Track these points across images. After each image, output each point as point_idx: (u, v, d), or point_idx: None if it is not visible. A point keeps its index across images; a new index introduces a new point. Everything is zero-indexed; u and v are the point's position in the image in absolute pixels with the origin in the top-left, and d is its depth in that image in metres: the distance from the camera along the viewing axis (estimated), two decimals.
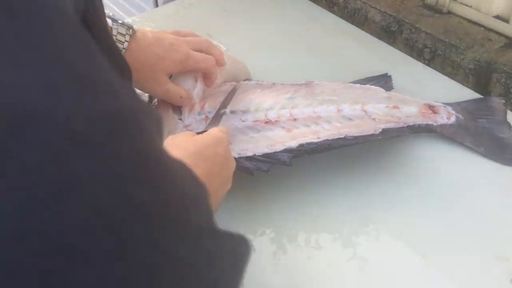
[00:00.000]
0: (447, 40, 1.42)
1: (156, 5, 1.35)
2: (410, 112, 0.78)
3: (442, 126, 0.78)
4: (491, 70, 1.32)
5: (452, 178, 0.74)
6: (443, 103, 0.81)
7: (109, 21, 0.68)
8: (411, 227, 0.67)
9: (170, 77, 0.73)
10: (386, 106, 0.78)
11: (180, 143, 0.57)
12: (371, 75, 0.89)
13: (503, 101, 0.83)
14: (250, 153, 0.68)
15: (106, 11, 0.69)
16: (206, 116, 0.73)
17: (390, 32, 1.56)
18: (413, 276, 0.62)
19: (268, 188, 0.73)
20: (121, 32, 0.67)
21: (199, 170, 0.52)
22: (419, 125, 0.77)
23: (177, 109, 0.73)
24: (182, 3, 1.17)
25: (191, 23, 1.08)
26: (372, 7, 1.60)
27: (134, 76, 0.68)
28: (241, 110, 0.75)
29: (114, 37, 0.66)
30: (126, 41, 0.67)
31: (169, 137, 0.59)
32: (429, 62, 1.49)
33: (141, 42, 0.69)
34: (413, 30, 1.50)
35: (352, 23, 1.66)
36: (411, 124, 0.76)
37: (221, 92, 0.77)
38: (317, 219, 0.69)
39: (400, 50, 1.53)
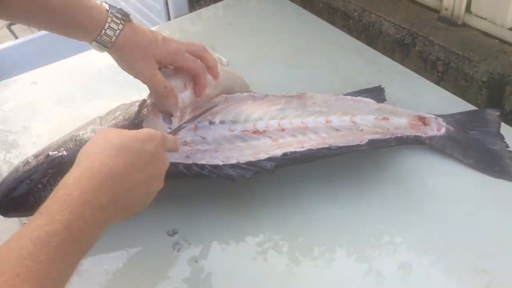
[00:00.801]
0: (460, 52, 1.40)
1: (169, 18, 1.40)
2: (399, 124, 0.78)
3: (432, 137, 0.77)
4: (505, 82, 1.31)
5: (440, 190, 0.73)
6: (436, 115, 0.81)
7: (106, 5, 0.71)
8: (397, 238, 0.67)
9: (160, 69, 0.74)
10: (375, 118, 0.78)
11: (107, 135, 0.58)
12: (367, 87, 0.90)
13: (498, 113, 0.82)
14: (234, 161, 0.70)
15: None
16: (196, 126, 0.75)
17: (404, 45, 1.56)
18: (391, 285, 0.62)
19: (254, 198, 0.74)
20: (115, 19, 0.70)
21: (117, 161, 0.54)
22: (408, 136, 0.77)
23: (167, 117, 0.75)
24: (191, 17, 1.21)
25: (197, 36, 1.12)
26: (386, 20, 1.60)
27: (125, 57, 0.72)
28: (230, 120, 0.77)
29: (107, 24, 0.69)
30: (118, 29, 0.70)
31: (102, 129, 0.59)
32: (442, 75, 1.48)
33: (136, 28, 0.73)
34: (427, 42, 1.50)
35: (367, 36, 1.67)
36: (399, 136, 0.76)
37: (213, 103, 0.79)
38: (301, 228, 0.70)
39: (414, 62, 1.53)
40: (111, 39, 0.70)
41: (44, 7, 0.69)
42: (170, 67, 0.76)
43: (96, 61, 1.05)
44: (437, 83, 1.47)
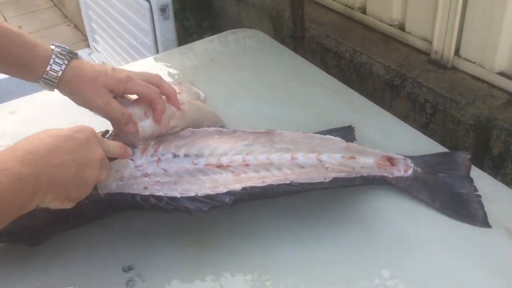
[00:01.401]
0: (448, 95, 1.41)
1: (157, 52, 1.42)
2: (366, 163, 0.77)
3: (398, 178, 0.76)
4: (492, 126, 1.30)
5: (405, 232, 0.71)
6: (405, 156, 0.80)
7: (52, 46, 0.73)
8: (361, 281, 0.65)
9: (115, 98, 0.75)
10: (342, 156, 0.77)
11: (46, 130, 0.61)
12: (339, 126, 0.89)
13: (469, 156, 0.80)
14: (192, 194, 0.69)
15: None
16: (159, 158, 0.75)
17: (394, 86, 1.56)
18: None
19: (214, 235, 0.73)
20: (60, 56, 0.72)
21: (43, 142, 0.58)
22: (374, 176, 0.75)
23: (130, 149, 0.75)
24: (177, 51, 1.23)
25: (179, 70, 1.13)
26: (377, 61, 1.62)
27: (75, 90, 0.73)
28: (195, 154, 0.76)
29: (52, 59, 0.71)
30: (64, 63, 0.71)
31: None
32: (430, 117, 1.48)
33: (83, 62, 0.74)
34: (416, 84, 1.50)
35: (358, 76, 1.68)
36: (365, 175, 0.75)
37: (178, 137, 0.79)
38: (259, 267, 0.68)
39: (403, 104, 1.53)
40: (57, 73, 0.71)
41: None
42: (124, 96, 0.77)
43: None
44: (426, 125, 1.47)
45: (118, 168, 0.72)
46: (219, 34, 1.28)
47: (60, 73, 0.71)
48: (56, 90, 0.75)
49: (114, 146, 0.69)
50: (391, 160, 0.78)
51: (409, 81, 1.50)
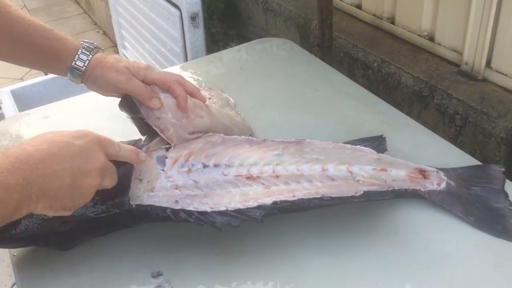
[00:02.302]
0: (479, 107, 1.38)
1: (186, 60, 1.43)
2: (397, 176, 0.76)
3: (431, 192, 0.75)
4: None
5: (437, 247, 0.70)
6: (437, 168, 0.78)
7: (81, 42, 0.77)
8: None
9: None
10: (373, 168, 0.76)
11: (46, 133, 0.61)
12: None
13: (503, 169, 0.78)
14: (222, 208, 0.69)
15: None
16: (189, 169, 0.75)
17: (422, 97, 1.54)
18: None
19: (243, 244, 0.72)
20: (85, 51, 0.76)
21: (38, 148, 0.56)
22: (406, 189, 0.74)
23: (161, 160, 0.75)
24: (206, 59, 1.24)
25: (208, 78, 1.13)
26: (405, 72, 1.60)
27: (98, 73, 0.75)
28: (225, 164, 0.76)
29: (80, 51, 0.76)
30: (91, 54, 0.76)
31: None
32: (460, 129, 1.45)
33: (108, 55, 0.78)
34: (445, 96, 1.48)
35: (385, 87, 1.66)
36: (396, 188, 0.74)
37: (209, 144, 0.79)
38: (287, 278, 0.67)
39: (432, 115, 1.51)
40: (84, 63, 0.75)
41: (24, 43, 0.75)
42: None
43: (108, 99, 1.07)
44: (455, 137, 1.44)
45: (150, 179, 0.73)
46: (247, 43, 1.28)
47: (87, 63, 0.75)
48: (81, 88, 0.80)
49: (125, 150, 0.67)
50: (423, 173, 0.77)
51: (438, 93, 1.48)
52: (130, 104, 0.77)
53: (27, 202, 0.55)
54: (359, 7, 1.89)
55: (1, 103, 1.71)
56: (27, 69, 2.90)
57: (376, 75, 1.70)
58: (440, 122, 1.49)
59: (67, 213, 0.62)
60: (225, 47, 2.49)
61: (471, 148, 1.39)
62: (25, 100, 1.78)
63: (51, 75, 1.89)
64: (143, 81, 0.76)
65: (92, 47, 0.77)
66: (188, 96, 0.78)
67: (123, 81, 0.74)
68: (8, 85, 2.68)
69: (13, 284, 1.63)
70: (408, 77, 1.57)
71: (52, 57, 0.76)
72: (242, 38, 2.56)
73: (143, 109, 0.76)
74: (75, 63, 0.76)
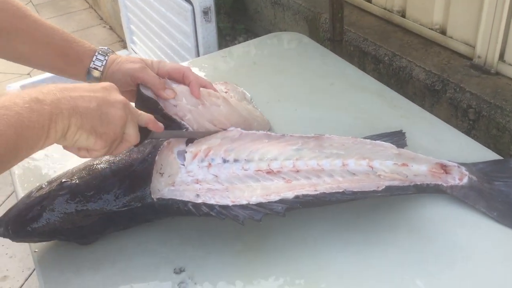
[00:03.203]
0: (492, 101, 1.37)
1: (198, 55, 1.42)
2: (419, 171, 0.75)
3: (453, 187, 0.74)
4: None
5: (460, 241, 0.70)
6: (458, 163, 0.78)
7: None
8: None
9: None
10: (394, 163, 0.76)
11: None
12: (388, 131, 0.87)
13: None
14: (244, 202, 0.68)
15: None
16: (209, 163, 0.75)
17: (434, 91, 1.53)
18: None
19: (264, 239, 0.72)
20: (102, 52, 0.80)
21: (66, 84, 0.59)
22: (428, 184, 0.74)
23: (181, 154, 0.75)
24: (219, 54, 1.23)
25: (222, 73, 1.13)
26: (417, 65, 1.59)
27: (115, 68, 0.78)
28: (244, 159, 0.76)
29: (98, 52, 0.79)
30: (107, 54, 0.80)
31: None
32: (473, 123, 1.45)
33: (122, 55, 0.82)
34: (458, 89, 1.47)
35: (397, 80, 1.65)
36: (418, 183, 0.73)
37: (228, 139, 0.78)
38: (310, 273, 0.67)
39: (444, 109, 1.50)
40: (102, 62, 0.78)
41: (46, 42, 0.77)
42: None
43: None
44: (468, 131, 1.43)
45: (170, 173, 0.72)
46: (260, 37, 1.28)
47: (104, 62, 0.78)
48: None
49: (143, 114, 0.69)
50: (444, 168, 0.76)
51: (451, 86, 1.47)
52: (146, 99, 0.77)
53: (60, 116, 0.56)
54: (369, 0, 1.87)
55: None
56: None
57: (387, 69, 1.69)
58: (453, 116, 1.48)
59: (98, 143, 0.61)
60: (232, 41, 2.48)
61: (485, 142, 1.38)
62: None
63: None
64: (156, 74, 0.79)
65: (106, 51, 0.81)
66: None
67: (138, 69, 0.77)
68: (16, 80, 2.68)
69: (26, 280, 1.64)
70: (420, 71, 1.56)
71: (73, 58, 0.78)
72: (249, 32, 2.55)
73: (160, 100, 0.76)
74: (93, 64, 0.79)
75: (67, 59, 0.79)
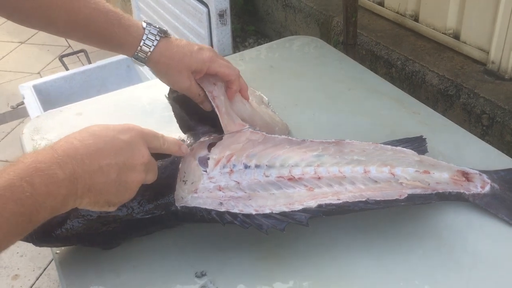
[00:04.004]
0: (506, 107, 1.37)
1: None
2: (441, 178, 0.75)
3: (475, 195, 0.74)
4: None
5: (482, 250, 0.70)
6: (479, 171, 0.78)
7: (144, 23, 0.77)
8: None
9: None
10: (416, 171, 0.76)
11: (91, 126, 0.61)
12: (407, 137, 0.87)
13: None
14: (267, 211, 0.68)
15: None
16: (231, 170, 0.75)
17: (448, 96, 1.53)
18: None
19: (286, 245, 0.72)
20: (150, 36, 0.76)
21: (85, 143, 0.57)
22: (450, 192, 0.74)
23: (203, 161, 0.75)
24: (234, 58, 1.23)
25: None
26: (430, 70, 1.59)
27: (162, 70, 0.78)
28: (266, 165, 0.76)
29: (143, 41, 0.75)
30: (153, 45, 0.76)
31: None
32: (487, 129, 1.44)
33: (172, 42, 0.78)
34: (472, 95, 1.47)
35: (409, 85, 1.65)
36: (440, 191, 0.73)
37: (250, 143, 0.78)
38: (333, 280, 0.67)
39: (457, 114, 1.50)
40: (146, 54, 0.76)
41: (87, 25, 0.75)
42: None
43: (140, 96, 1.07)
44: (481, 137, 1.43)
45: (193, 180, 0.72)
46: (276, 41, 1.28)
47: (149, 54, 0.76)
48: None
49: (169, 142, 0.68)
50: (466, 175, 0.76)
51: (464, 91, 1.47)
52: (181, 99, 0.79)
53: (73, 197, 0.56)
54: (381, 4, 1.87)
55: (24, 98, 1.72)
56: (44, 64, 2.91)
57: (399, 73, 1.69)
58: (466, 121, 1.48)
59: (111, 209, 0.62)
60: (242, 43, 2.48)
61: (498, 149, 1.38)
62: (46, 95, 1.79)
63: (72, 71, 1.89)
64: (206, 73, 0.79)
65: (155, 32, 0.77)
66: None
67: (183, 88, 0.78)
68: (27, 79, 2.69)
69: (37, 279, 1.65)
70: (433, 76, 1.56)
71: (115, 45, 0.77)
72: (259, 34, 2.56)
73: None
74: (138, 52, 0.76)
75: (110, 42, 0.77)
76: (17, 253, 1.72)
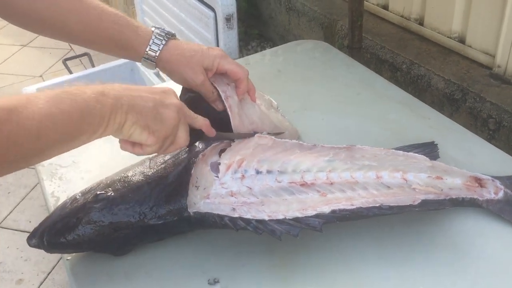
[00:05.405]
0: None
1: None
2: (453, 184, 0.75)
3: (488, 201, 0.74)
4: None
5: (496, 257, 0.69)
6: (492, 176, 0.77)
7: (152, 28, 0.79)
8: None
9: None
10: (428, 176, 0.75)
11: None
12: (418, 142, 0.87)
13: None
14: (280, 216, 0.68)
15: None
16: (243, 175, 0.74)
17: (453, 100, 1.53)
18: None
19: (300, 252, 0.72)
20: (159, 36, 0.78)
21: (127, 84, 0.63)
22: (463, 198, 0.73)
23: (215, 166, 0.75)
24: (241, 62, 1.23)
25: None
26: (435, 74, 1.59)
27: (174, 68, 0.78)
28: (278, 170, 0.76)
29: (151, 40, 0.77)
30: (162, 44, 0.78)
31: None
32: (493, 133, 1.44)
33: (181, 42, 0.80)
34: (478, 99, 1.47)
35: (414, 89, 1.65)
36: (453, 197, 0.73)
37: (260, 148, 0.78)
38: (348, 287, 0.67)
39: (463, 118, 1.49)
40: (156, 53, 0.77)
41: (97, 28, 0.77)
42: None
43: None
44: (488, 141, 1.42)
45: (205, 185, 0.72)
46: (283, 45, 1.28)
47: (158, 53, 0.77)
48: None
49: (198, 118, 0.71)
50: (479, 181, 0.76)
51: (471, 96, 1.47)
52: (192, 101, 0.79)
53: (119, 110, 0.60)
54: (386, 8, 1.87)
55: None
56: (46, 67, 2.90)
57: (405, 77, 1.69)
58: (472, 125, 1.48)
59: (150, 139, 0.64)
60: (245, 46, 2.48)
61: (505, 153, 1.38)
62: None
63: (76, 74, 1.89)
64: (216, 70, 0.79)
65: (163, 34, 0.78)
66: None
67: (197, 84, 0.79)
68: (29, 82, 2.69)
69: (41, 283, 1.64)
70: (439, 80, 1.56)
71: (124, 45, 0.78)
72: (262, 37, 2.55)
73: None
74: (147, 54, 0.78)
75: (122, 46, 0.78)
76: (21, 257, 1.72)
